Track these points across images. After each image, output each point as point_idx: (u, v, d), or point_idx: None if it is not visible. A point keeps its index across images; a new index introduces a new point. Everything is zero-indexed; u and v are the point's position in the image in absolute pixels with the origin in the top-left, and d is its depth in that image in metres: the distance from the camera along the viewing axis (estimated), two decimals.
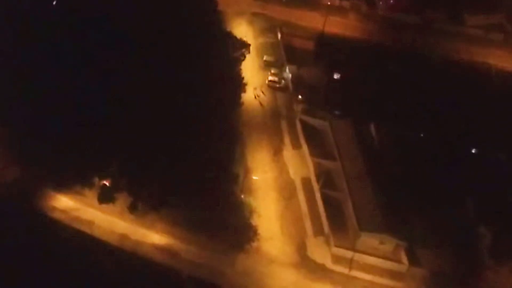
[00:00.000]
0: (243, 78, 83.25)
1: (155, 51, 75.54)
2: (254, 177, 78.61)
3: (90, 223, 73.02)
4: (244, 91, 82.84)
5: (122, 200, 73.31)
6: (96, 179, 73.43)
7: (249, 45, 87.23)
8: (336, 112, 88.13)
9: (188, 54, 78.28)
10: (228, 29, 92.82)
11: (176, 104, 74.48)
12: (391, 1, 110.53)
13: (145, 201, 72.56)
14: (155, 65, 75.78)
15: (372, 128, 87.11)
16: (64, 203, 75.70)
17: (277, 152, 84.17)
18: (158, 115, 73.13)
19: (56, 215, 73.69)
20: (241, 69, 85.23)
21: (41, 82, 75.86)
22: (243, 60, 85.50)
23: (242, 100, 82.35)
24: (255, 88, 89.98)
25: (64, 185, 75.04)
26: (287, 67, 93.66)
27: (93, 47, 75.64)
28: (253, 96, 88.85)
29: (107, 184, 72.85)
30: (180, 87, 75.95)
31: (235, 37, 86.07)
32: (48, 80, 76.09)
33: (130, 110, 73.42)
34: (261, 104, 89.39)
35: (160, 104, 73.48)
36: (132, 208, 72.52)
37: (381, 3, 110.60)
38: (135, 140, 72.32)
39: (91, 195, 75.35)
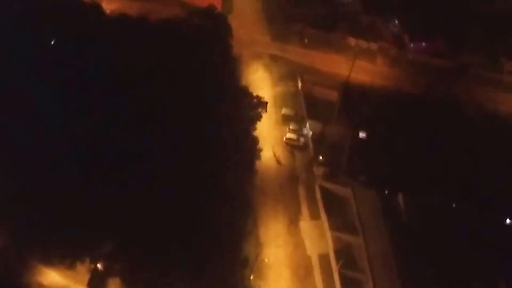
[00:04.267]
0: (257, 141, 74.93)
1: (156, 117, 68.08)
2: (265, 260, 70.97)
3: None
4: (259, 158, 74.41)
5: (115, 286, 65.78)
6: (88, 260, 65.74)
7: (266, 103, 78.73)
8: (361, 178, 79.71)
9: (197, 115, 70.81)
10: (243, 79, 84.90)
11: (180, 177, 67.02)
12: (423, 44, 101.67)
13: None
14: (158, 130, 68.59)
15: (400, 198, 78.99)
16: (52, 279, 68.41)
17: (293, 222, 76.27)
18: (161, 189, 65.64)
19: None
20: (256, 129, 76.93)
21: (32, 144, 68.35)
22: (259, 120, 77.02)
23: (256, 167, 73.94)
24: (273, 148, 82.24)
25: (53, 259, 67.45)
26: (307, 123, 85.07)
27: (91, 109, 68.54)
28: (269, 156, 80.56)
29: (100, 267, 65.08)
30: (184, 154, 68.56)
31: (251, 94, 77.55)
32: (41, 141, 68.56)
33: (132, 182, 66.22)
34: (278, 162, 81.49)
35: (163, 176, 65.89)
36: None
37: (412, 45, 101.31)
38: (135, 217, 64.90)
39: (83, 271, 67.75)
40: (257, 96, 77.75)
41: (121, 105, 72.51)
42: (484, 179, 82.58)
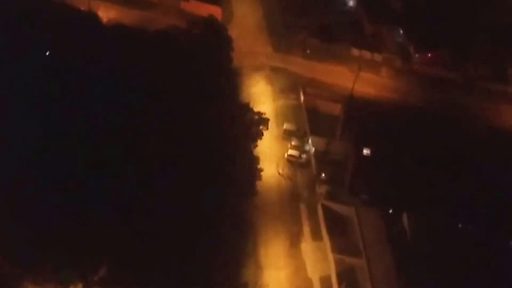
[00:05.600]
0: (258, 161, 72.45)
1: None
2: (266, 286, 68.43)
3: None
4: (260, 179, 71.96)
5: None
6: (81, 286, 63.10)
7: (268, 120, 75.99)
8: (364, 197, 77.44)
9: (195, 133, 68.42)
10: (244, 92, 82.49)
11: (177, 197, 64.44)
12: (428, 55, 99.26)
13: None
14: (154, 148, 66.26)
15: (405, 217, 76.67)
16: None
17: (294, 243, 73.83)
18: (157, 212, 63.21)
19: None
20: (257, 146, 74.47)
21: (26, 163, 65.38)
22: (260, 138, 74.49)
23: (256, 187, 71.51)
24: (278, 166, 79.87)
25: (47, 284, 63.99)
26: (309, 139, 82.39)
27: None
28: (270, 174, 77.78)
29: None
30: (182, 173, 66.06)
31: (252, 110, 74.92)
32: (33, 160, 65.70)
33: (128, 205, 63.69)
34: (287, 178, 79.19)
35: (159, 198, 63.35)
36: None
37: (417, 56, 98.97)
38: (130, 241, 62.28)
39: None
40: (258, 113, 75.23)
41: (116, 120, 70.44)
42: (490, 197, 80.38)
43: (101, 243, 62.51)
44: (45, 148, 67.01)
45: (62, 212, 63.24)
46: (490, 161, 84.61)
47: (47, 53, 79.69)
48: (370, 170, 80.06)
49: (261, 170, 72.37)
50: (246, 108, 74.13)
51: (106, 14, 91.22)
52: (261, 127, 73.62)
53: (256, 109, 79.47)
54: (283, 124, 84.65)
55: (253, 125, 72.96)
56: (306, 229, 75.54)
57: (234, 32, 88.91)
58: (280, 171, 79.83)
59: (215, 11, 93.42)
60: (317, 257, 73.25)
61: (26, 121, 69.37)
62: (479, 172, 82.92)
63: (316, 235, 74.86)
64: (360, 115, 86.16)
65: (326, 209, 76.55)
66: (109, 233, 62.96)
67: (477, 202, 79.63)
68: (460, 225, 78.21)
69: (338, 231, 75.03)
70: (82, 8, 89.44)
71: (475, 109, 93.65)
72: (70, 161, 66.36)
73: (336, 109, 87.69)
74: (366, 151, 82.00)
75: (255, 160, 71.50)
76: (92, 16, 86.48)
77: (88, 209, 63.21)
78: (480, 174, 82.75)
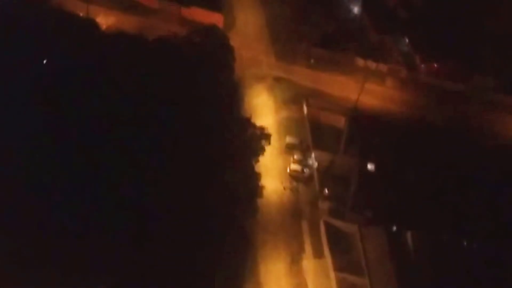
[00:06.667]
0: (260, 178, 70.15)
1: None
2: None
3: None
4: (261, 196, 69.74)
5: None
6: None
7: (270, 135, 73.61)
8: (368, 214, 75.02)
9: (195, 149, 66.33)
10: (245, 103, 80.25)
11: (177, 214, 62.38)
12: (435, 65, 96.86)
13: None
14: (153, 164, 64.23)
15: (409, 235, 74.58)
16: None
17: (295, 260, 71.55)
18: (156, 231, 61.18)
19: None
20: (258, 161, 72.30)
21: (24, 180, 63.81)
22: (262, 154, 72.19)
23: (258, 205, 69.35)
24: (283, 182, 77.70)
25: None
26: (312, 153, 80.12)
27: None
28: (272, 189, 75.37)
29: None
30: (180, 191, 64.08)
31: (254, 125, 72.45)
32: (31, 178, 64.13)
33: (127, 225, 61.81)
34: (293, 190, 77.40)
35: (158, 218, 61.41)
36: None
37: (423, 66, 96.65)
38: (130, 260, 60.42)
39: None
40: (261, 127, 72.67)
41: (113, 134, 68.50)
42: (496, 214, 77.73)
43: (100, 262, 60.55)
44: (41, 158, 65.22)
45: (59, 230, 61.35)
46: (497, 177, 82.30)
47: (44, 61, 78.33)
48: (374, 186, 77.88)
49: (263, 187, 70.26)
50: (247, 123, 71.72)
51: (105, 20, 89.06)
52: (262, 142, 71.31)
53: (258, 122, 76.92)
54: (285, 137, 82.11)
55: (254, 141, 70.59)
56: (308, 246, 73.20)
57: (235, 40, 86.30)
58: (283, 186, 77.78)
59: (217, 18, 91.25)
60: (319, 275, 70.93)
61: (21, 132, 67.53)
62: (485, 187, 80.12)
63: (317, 253, 72.58)
64: (364, 129, 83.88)
65: (328, 226, 74.31)
66: (109, 253, 61.14)
67: (483, 218, 76.99)
68: (465, 243, 76.57)
69: (341, 249, 72.77)
70: (81, 14, 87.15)
71: (482, 122, 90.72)
72: (66, 176, 64.70)
73: (340, 121, 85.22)
74: (370, 166, 79.81)
75: (256, 176, 69.27)
76: (90, 23, 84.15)
77: (87, 227, 61.41)
78: (486, 190, 79.91)
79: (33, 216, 62.37)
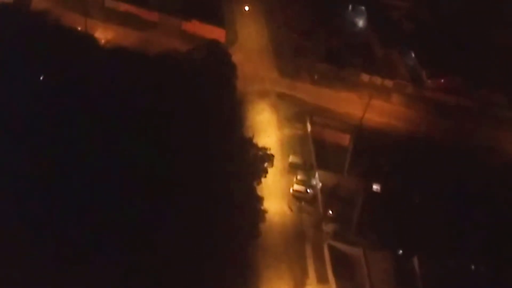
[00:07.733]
0: (262, 201, 67.85)
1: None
2: None
3: None
4: (263, 221, 67.48)
5: None
6: None
7: (273, 156, 71.43)
8: (372, 237, 72.95)
9: (195, 169, 64.26)
10: (248, 121, 78.23)
11: (177, 237, 60.40)
12: (441, 80, 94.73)
13: None
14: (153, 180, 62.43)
15: (415, 260, 72.40)
16: None
17: (298, 286, 69.09)
18: (158, 253, 59.21)
19: None
20: (261, 183, 70.11)
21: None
22: (264, 176, 70.06)
23: (260, 229, 67.12)
24: (288, 203, 75.33)
25: None
26: (316, 173, 77.87)
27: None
28: (274, 211, 73.13)
29: None
30: (182, 212, 61.84)
31: (256, 146, 70.23)
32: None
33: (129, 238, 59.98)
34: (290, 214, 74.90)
35: (158, 235, 59.58)
36: None
37: (429, 81, 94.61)
38: (133, 274, 58.41)
39: None
40: (263, 148, 70.37)
41: (113, 150, 66.56)
42: (507, 237, 75.67)
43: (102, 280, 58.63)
44: (39, 173, 63.24)
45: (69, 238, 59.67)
46: (507, 197, 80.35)
47: (41, 77, 76.47)
48: (380, 208, 75.66)
49: (265, 211, 67.97)
50: (249, 143, 69.45)
51: (104, 35, 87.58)
52: (265, 164, 69.05)
53: (260, 140, 75.24)
54: (288, 156, 79.83)
55: (256, 162, 68.34)
56: (311, 271, 70.69)
57: (238, 55, 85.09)
58: (287, 207, 75.63)
59: (219, 33, 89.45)
60: None
61: (18, 148, 65.82)
62: (494, 209, 77.90)
63: (321, 277, 70.06)
64: (369, 147, 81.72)
65: (332, 250, 71.97)
66: (109, 271, 58.87)
67: (491, 241, 74.67)
68: (472, 267, 74.40)
69: (345, 273, 70.42)
70: (79, 29, 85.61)
71: (490, 139, 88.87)
72: (65, 192, 62.77)
73: (345, 139, 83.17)
74: (376, 187, 77.66)
75: (258, 200, 66.93)
76: (89, 38, 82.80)
77: (88, 243, 59.49)
78: (495, 211, 77.72)
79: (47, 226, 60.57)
